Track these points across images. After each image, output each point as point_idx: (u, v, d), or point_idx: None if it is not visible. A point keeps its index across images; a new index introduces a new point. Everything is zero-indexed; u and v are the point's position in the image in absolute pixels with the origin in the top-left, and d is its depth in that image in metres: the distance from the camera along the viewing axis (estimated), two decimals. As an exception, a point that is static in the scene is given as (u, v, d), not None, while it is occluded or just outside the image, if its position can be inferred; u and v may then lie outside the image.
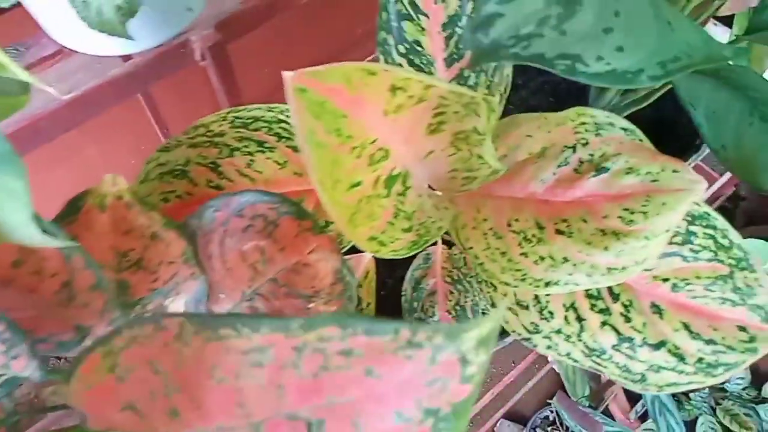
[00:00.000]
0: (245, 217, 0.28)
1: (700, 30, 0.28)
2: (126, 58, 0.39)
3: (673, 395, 0.80)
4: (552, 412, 0.86)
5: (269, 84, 0.48)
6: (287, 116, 0.32)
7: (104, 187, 0.26)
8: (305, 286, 0.28)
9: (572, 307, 0.28)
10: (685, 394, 0.84)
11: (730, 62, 0.42)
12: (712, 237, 0.26)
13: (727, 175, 0.73)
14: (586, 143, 0.29)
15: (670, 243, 0.27)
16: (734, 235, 0.26)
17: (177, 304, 0.30)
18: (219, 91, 0.41)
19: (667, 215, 0.25)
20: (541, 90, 0.55)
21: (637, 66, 0.23)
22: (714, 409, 0.77)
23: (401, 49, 0.35)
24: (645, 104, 0.46)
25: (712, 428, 0.74)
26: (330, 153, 0.22)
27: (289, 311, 0.29)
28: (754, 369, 0.82)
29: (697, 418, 0.77)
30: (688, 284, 0.27)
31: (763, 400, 0.78)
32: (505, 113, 0.35)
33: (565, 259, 0.27)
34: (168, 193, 0.31)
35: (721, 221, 0.26)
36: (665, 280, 0.27)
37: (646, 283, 0.27)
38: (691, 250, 0.26)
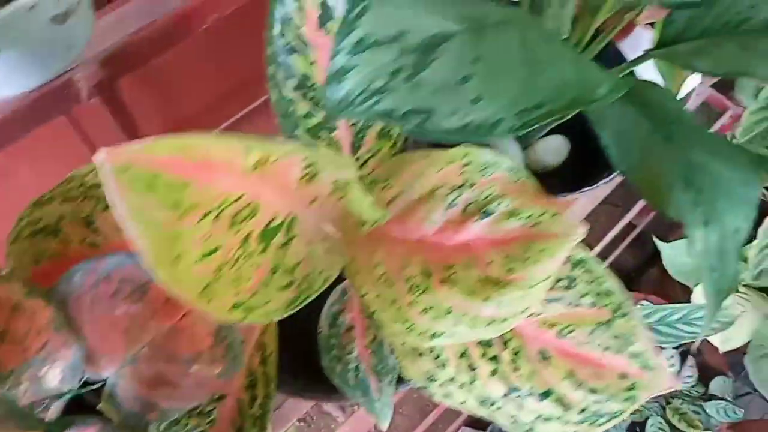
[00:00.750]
0: (113, 281, 0.26)
1: (581, 66, 0.27)
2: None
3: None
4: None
5: (170, 119, 0.46)
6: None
7: (-49, 261, 0.24)
8: (184, 349, 0.27)
9: (465, 354, 0.27)
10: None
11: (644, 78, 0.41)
12: (591, 282, 0.25)
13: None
14: (473, 184, 0.28)
15: (556, 288, 0.26)
16: (612, 280, 0.25)
17: (53, 373, 0.28)
18: (116, 130, 0.39)
19: (546, 262, 0.24)
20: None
21: (495, 116, 0.21)
22: (664, 408, 0.78)
23: (291, 83, 0.33)
24: (567, 117, 0.45)
25: (661, 428, 0.75)
26: (166, 229, 0.20)
27: (172, 376, 0.28)
28: (701, 366, 0.83)
29: (647, 419, 0.78)
30: (572, 330, 0.26)
31: (711, 397, 0.79)
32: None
33: (449, 311, 0.26)
34: (40, 253, 0.29)
35: (598, 267, 0.25)
36: (552, 325, 0.26)
37: (534, 329, 0.27)
38: (575, 295, 0.26)
